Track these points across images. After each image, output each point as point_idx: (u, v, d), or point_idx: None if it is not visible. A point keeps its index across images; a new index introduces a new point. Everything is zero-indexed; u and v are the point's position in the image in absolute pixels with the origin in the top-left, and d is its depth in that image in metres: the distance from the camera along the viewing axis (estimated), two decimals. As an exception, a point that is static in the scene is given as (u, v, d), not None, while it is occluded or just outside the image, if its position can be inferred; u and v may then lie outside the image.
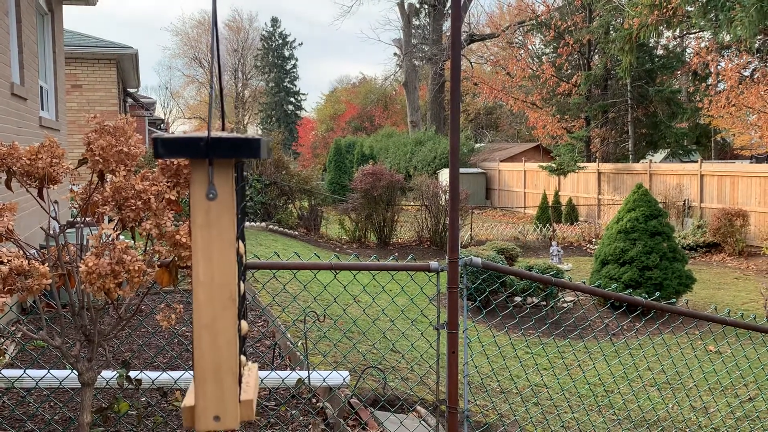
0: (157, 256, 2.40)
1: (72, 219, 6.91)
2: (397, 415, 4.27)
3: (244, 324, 1.12)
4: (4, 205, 2.41)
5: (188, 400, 1.07)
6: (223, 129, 1.19)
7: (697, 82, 25.05)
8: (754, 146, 26.42)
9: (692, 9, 19.36)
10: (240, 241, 1.11)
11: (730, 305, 10.22)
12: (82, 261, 2.24)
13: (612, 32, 25.14)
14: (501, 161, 29.50)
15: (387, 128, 37.80)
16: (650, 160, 23.81)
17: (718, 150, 33.22)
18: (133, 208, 2.35)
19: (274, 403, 4.24)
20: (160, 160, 2.45)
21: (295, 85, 57.97)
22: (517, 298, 9.76)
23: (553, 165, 21.21)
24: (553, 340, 8.04)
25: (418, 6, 37.71)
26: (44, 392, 4.12)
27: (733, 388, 6.36)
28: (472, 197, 24.03)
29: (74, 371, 2.62)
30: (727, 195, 16.78)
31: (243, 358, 1.14)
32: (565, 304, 10.10)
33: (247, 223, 15.68)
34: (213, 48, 1.05)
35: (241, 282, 1.15)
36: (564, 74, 28.60)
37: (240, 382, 1.08)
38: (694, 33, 23.64)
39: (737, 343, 7.59)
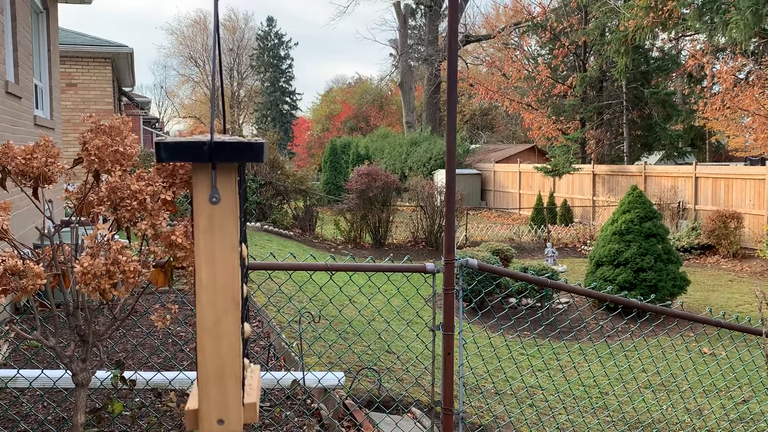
0: (153, 256, 2.38)
1: (66, 218, 6.88)
2: (392, 417, 4.26)
3: (246, 327, 1.11)
4: (-2, 204, 2.39)
5: (191, 404, 1.06)
6: (224, 130, 1.18)
7: (692, 85, 25.12)
8: (748, 148, 26.52)
9: (688, 11, 19.41)
10: (242, 244, 1.10)
11: (725, 307, 10.24)
12: (77, 261, 2.22)
13: (608, 34, 25.17)
14: (496, 162, 29.52)
15: (382, 129, 37.75)
16: (645, 162, 23.86)
17: (713, 152, 33.32)
18: (129, 208, 2.34)
19: (268, 404, 4.22)
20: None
21: (291, 85, 57.93)
22: (513, 300, 9.76)
23: (548, 166, 21.24)
24: (548, 341, 8.05)
25: (414, 7, 37.71)
26: (38, 392, 4.10)
27: (727, 390, 6.37)
28: (467, 198, 24.06)
29: (68, 371, 2.60)
30: (722, 197, 16.82)
31: (246, 360, 1.13)
32: (560, 306, 10.10)
33: (242, 223, 15.63)
34: (215, 52, 1.04)
35: (244, 285, 1.13)
36: (559, 76, 28.62)
37: (243, 385, 1.08)
38: (690, 35, 23.70)
39: (732, 346, 7.60)
